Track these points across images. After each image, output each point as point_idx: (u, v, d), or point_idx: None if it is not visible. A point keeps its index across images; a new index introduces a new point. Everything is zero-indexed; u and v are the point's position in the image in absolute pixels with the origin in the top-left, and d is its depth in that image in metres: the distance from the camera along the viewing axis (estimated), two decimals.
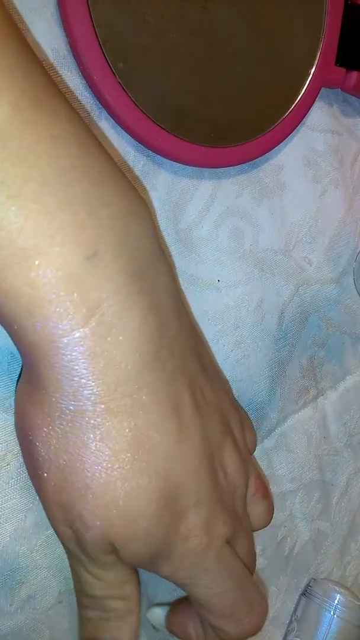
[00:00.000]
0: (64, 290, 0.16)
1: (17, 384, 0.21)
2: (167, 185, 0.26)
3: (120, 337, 0.17)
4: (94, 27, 0.23)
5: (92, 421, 0.18)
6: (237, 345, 0.29)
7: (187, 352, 0.20)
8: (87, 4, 0.23)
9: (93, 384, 0.17)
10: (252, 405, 0.30)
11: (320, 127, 0.31)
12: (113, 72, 0.23)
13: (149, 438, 0.18)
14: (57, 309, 0.16)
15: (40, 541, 0.24)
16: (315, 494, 0.33)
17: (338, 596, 0.33)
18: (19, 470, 0.23)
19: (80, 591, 0.20)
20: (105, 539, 0.18)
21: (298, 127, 0.30)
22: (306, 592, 0.34)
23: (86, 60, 0.23)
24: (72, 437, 0.18)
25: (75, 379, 0.17)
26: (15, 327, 0.17)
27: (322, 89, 0.30)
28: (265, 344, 0.30)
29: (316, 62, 0.30)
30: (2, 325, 0.18)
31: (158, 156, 0.26)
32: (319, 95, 0.30)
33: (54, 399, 0.18)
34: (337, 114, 0.32)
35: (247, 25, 0.27)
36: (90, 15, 0.23)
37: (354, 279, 0.34)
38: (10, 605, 0.24)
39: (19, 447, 0.23)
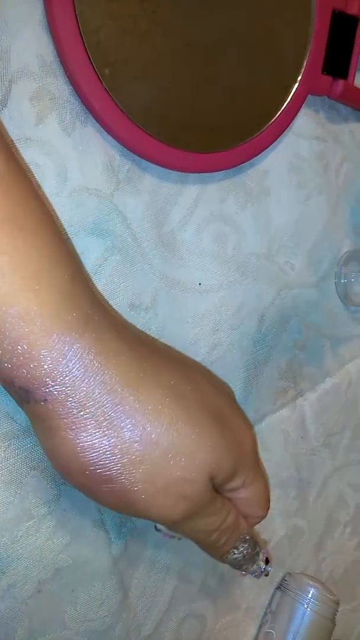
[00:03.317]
0: (66, 305, 0.19)
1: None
2: (151, 189, 0.27)
3: (108, 334, 0.20)
4: (80, 33, 0.23)
5: (134, 403, 0.20)
6: (213, 348, 0.30)
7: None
8: (75, 11, 0.23)
9: (114, 371, 0.19)
10: None
11: (305, 133, 0.32)
12: (99, 78, 0.24)
13: (180, 389, 0.21)
14: (66, 322, 0.18)
15: (21, 532, 0.25)
16: (291, 492, 0.34)
17: (312, 590, 0.34)
18: (0, 465, 0.24)
19: (209, 540, 0.23)
20: (208, 480, 0.22)
21: (284, 133, 0.30)
22: (281, 586, 0.35)
23: (73, 66, 0.24)
24: (136, 429, 0.20)
25: (99, 376, 0.19)
26: (28, 354, 0.18)
27: (309, 96, 0.31)
28: (242, 346, 0.31)
29: (303, 69, 0.30)
30: (8, 368, 0.18)
31: (143, 161, 0.26)
32: (305, 102, 0.31)
33: (96, 411, 0.19)
34: (323, 121, 0.33)
35: (235, 33, 0.28)
36: (77, 22, 0.23)
37: (335, 282, 0.35)
38: None
39: None
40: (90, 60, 0.24)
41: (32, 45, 0.23)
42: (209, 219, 0.29)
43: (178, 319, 0.28)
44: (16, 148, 0.23)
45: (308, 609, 0.33)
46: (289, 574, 0.35)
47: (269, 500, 0.26)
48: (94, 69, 0.24)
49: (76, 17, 0.23)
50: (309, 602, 0.33)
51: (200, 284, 0.29)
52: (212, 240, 0.29)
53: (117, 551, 0.28)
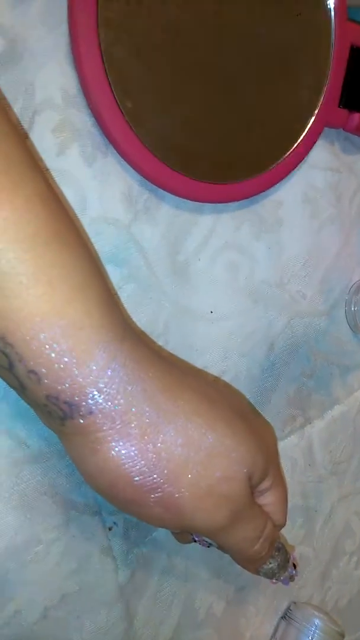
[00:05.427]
0: (109, 315, 0.19)
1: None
2: (168, 218, 0.27)
3: (141, 344, 0.20)
4: (105, 68, 0.24)
5: (174, 408, 0.20)
6: (221, 375, 0.30)
7: None
8: (99, 45, 0.24)
9: (152, 379, 0.20)
10: None
11: (320, 164, 0.32)
12: (121, 111, 0.24)
13: (209, 392, 0.22)
14: (110, 332, 0.19)
15: (29, 557, 0.25)
16: (298, 520, 0.34)
17: (317, 621, 0.33)
18: (10, 490, 0.24)
19: (252, 550, 0.23)
20: (247, 478, 0.22)
21: (299, 165, 0.31)
22: (286, 616, 0.35)
23: (96, 100, 0.24)
24: (178, 433, 0.20)
25: (140, 384, 0.19)
26: (76, 365, 0.18)
27: (325, 128, 0.31)
28: (251, 374, 0.31)
29: (320, 103, 0.30)
30: (51, 386, 0.18)
31: (161, 190, 0.27)
32: (321, 134, 0.31)
33: (140, 419, 0.19)
34: (337, 152, 0.33)
35: (254, 67, 0.28)
36: (102, 57, 0.24)
37: (345, 310, 0.35)
38: None
39: (12, 469, 0.24)
40: (113, 93, 0.24)
41: (56, 78, 0.23)
42: (222, 248, 0.29)
43: (188, 346, 0.28)
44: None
45: None
46: (294, 603, 0.35)
47: (287, 508, 0.26)
48: (117, 101, 0.24)
49: (101, 52, 0.24)
50: (313, 633, 0.33)
51: (211, 312, 0.29)
52: (225, 269, 0.29)
53: (124, 578, 0.28)
